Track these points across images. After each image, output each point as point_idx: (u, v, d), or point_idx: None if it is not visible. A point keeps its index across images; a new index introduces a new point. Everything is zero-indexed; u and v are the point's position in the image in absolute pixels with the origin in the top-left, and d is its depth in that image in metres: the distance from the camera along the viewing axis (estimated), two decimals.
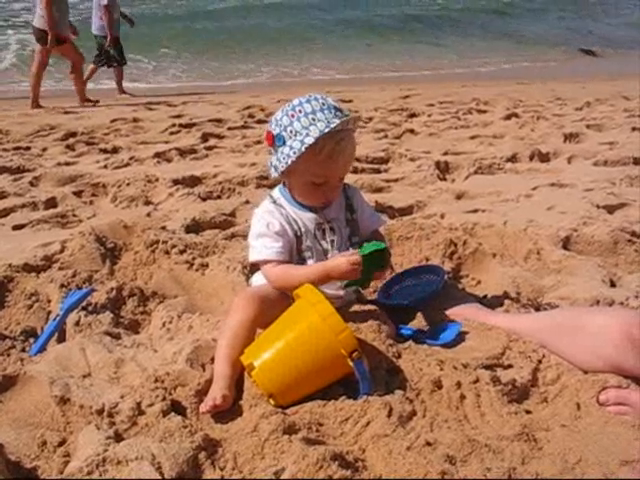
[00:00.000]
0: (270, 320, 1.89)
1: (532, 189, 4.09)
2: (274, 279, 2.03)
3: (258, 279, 2.18)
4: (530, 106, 8.24)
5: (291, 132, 1.94)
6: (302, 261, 2.07)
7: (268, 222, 2.04)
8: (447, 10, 24.76)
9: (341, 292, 2.13)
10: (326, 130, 1.86)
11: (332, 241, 2.07)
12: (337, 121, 1.88)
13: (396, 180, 4.48)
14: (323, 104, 1.95)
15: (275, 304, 1.97)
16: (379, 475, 1.47)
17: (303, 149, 1.88)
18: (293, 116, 1.94)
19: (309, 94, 2.00)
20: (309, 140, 1.87)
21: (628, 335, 1.75)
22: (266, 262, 2.03)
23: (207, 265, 2.74)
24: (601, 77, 12.87)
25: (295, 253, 2.06)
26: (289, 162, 1.92)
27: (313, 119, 1.91)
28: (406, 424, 1.62)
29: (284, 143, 1.95)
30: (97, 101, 9.84)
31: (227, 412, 1.72)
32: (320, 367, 1.74)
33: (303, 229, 2.06)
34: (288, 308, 1.88)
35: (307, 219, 2.07)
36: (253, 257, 2.08)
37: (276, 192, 2.14)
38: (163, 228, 3.26)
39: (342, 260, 1.92)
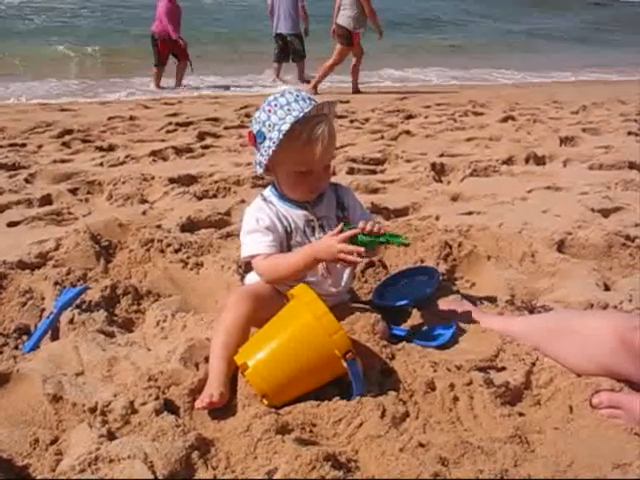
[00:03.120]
0: (264, 318, 1.89)
1: (527, 192, 4.10)
2: (264, 272, 2.04)
3: (252, 278, 2.18)
4: (526, 109, 8.25)
5: (269, 126, 1.96)
6: None
7: (258, 218, 2.05)
8: None
9: (333, 289, 2.13)
10: (300, 115, 1.89)
11: (321, 238, 2.07)
12: (311, 107, 1.91)
13: (392, 181, 4.47)
14: (297, 96, 1.99)
15: (269, 302, 1.98)
16: (372, 476, 1.47)
17: (281, 136, 1.91)
18: (270, 111, 1.97)
19: (283, 89, 2.06)
20: (285, 127, 1.90)
21: (621, 338, 1.75)
22: (257, 256, 2.04)
23: (202, 264, 2.74)
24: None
25: (285, 249, 2.07)
26: (270, 153, 1.95)
27: (289, 109, 1.94)
28: (399, 425, 1.62)
29: (264, 138, 1.98)
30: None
31: (220, 411, 1.72)
32: (314, 367, 1.74)
33: (293, 225, 2.06)
34: (282, 307, 1.88)
35: (297, 216, 2.08)
36: (245, 253, 2.08)
37: (267, 191, 2.16)
38: (158, 227, 3.26)
39: (327, 238, 1.93)
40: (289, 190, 2.07)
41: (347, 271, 2.18)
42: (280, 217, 2.06)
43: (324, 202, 2.12)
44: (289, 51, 11.88)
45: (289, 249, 2.06)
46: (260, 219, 2.04)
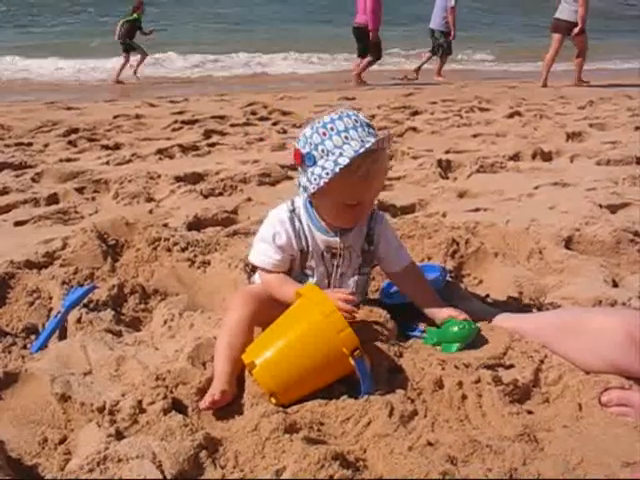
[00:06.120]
0: (268, 318, 1.88)
1: (534, 188, 4.09)
2: (267, 285, 2.03)
3: (259, 278, 2.18)
4: (533, 105, 8.23)
5: (322, 151, 1.82)
6: (304, 277, 2.06)
7: (275, 232, 1.98)
8: None
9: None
10: (361, 150, 1.76)
11: (336, 266, 2.03)
12: (372, 140, 1.78)
13: (398, 178, 4.47)
14: (356, 121, 1.84)
15: (273, 303, 1.96)
16: (380, 475, 1.46)
17: (337, 170, 1.77)
18: (325, 134, 1.82)
19: (340, 110, 1.90)
20: (343, 160, 1.76)
21: (630, 336, 1.74)
22: (263, 269, 2.04)
23: (209, 263, 2.73)
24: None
25: (298, 267, 2.04)
26: (321, 183, 1.81)
27: (346, 137, 1.80)
28: (407, 424, 1.62)
29: (315, 163, 1.84)
30: (588, 82, 11.36)
31: (228, 410, 1.72)
32: (321, 366, 1.74)
33: (311, 248, 2.00)
34: (289, 307, 1.88)
35: (320, 240, 2.00)
36: (251, 257, 2.09)
37: (298, 201, 2.04)
38: (165, 225, 3.26)
39: (328, 291, 1.86)
40: (330, 217, 1.96)
41: (355, 283, 2.11)
42: (300, 236, 1.98)
43: (354, 231, 2.02)
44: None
45: (302, 270, 2.04)
46: (277, 234, 1.98)
